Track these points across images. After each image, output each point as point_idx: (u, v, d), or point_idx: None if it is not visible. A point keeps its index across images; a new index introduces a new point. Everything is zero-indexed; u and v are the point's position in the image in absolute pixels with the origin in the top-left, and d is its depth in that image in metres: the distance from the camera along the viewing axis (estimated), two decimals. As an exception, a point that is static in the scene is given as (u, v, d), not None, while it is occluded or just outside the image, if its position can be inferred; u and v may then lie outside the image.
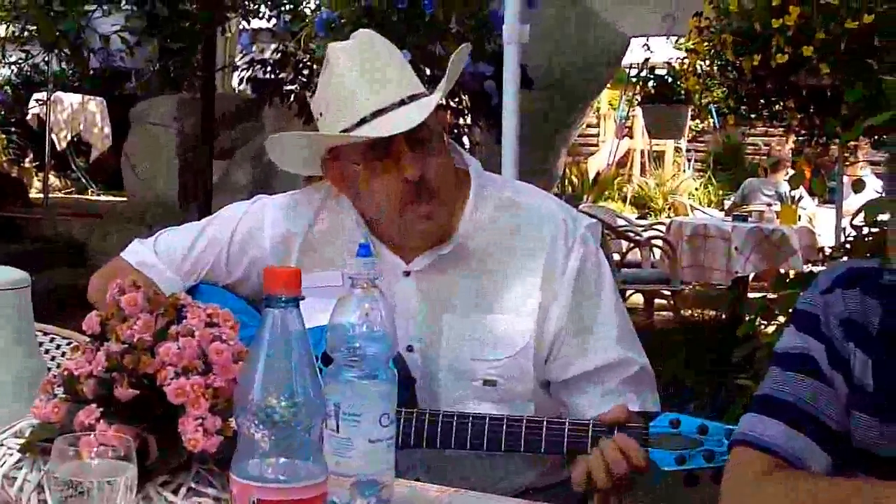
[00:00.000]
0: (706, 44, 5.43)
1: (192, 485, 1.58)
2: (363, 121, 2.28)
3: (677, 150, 19.68)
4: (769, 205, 11.07)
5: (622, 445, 2.10)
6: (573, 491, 2.28)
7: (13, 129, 15.84)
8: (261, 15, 8.31)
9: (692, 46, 5.60)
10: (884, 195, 3.70)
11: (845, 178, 8.34)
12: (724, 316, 8.38)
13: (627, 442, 2.10)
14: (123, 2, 6.91)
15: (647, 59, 10.29)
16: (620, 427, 2.12)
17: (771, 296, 4.75)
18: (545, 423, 2.19)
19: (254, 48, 6.24)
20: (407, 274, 2.43)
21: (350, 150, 2.35)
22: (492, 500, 1.99)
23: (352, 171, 2.37)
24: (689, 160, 19.74)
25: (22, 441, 1.64)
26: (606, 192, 18.22)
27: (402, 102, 2.28)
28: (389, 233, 2.41)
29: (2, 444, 1.67)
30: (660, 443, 2.09)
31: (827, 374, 1.77)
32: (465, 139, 6.64)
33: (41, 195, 13.65)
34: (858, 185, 4.76)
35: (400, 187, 2.30)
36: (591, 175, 18.86)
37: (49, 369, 2.24)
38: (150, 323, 1.63)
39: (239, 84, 10.28)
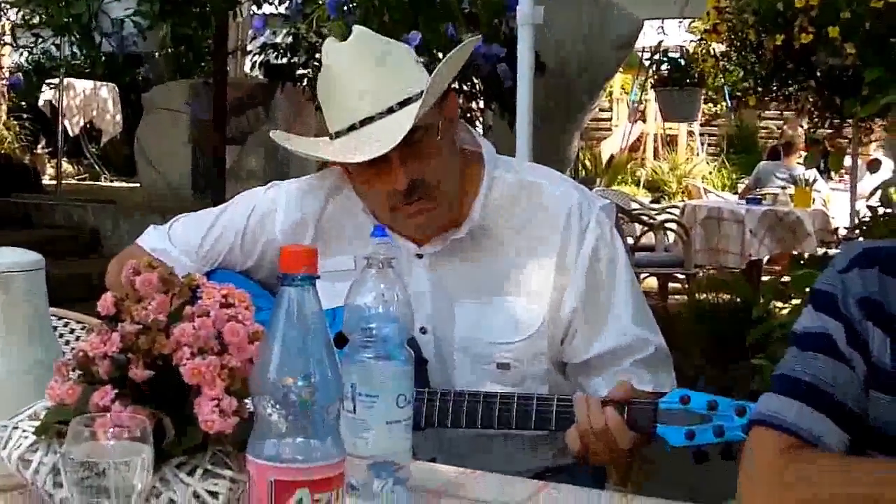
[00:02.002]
0: (726, 24, 5.40)
1: (209, 466, 1.57)
2: (352, 127, 2.28)
3: (690, 133, 19.64)
4: (783, 188, 11.04)
5: (610, 422, 2.10)
6: (589, 472, 2.28)
7: (25, 116, 15.85)
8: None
9: (709, 27, 5.58)
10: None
11: (859, 160, 8.31)
12: (738, 299, 8.35)
13: (615, 420, 2.10)
14: (136, -14, 6.91)
15: (660, 42, 10.26)
16: (630, 403, 2.12)
17: (785, 278, 4.73)
18: (556, 400, 2.20)
19: (266, 32, 6.23)
20: (420, 257, 2.43)
21: None
22: (509, 480, 1.98)
23: (352, 175, 2.40)
24: (701, 144, 19.70)
25: (37, 423, 1.64)
26: (620, 176, 18.21)
27: (391, 110, 2.26)
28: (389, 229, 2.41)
29: (17, 427, 1.66)
30: (670, 419, 2.09)
31: (845, 354, 1.76)
32: (478, 123, 6.63)
33: (54, 182, 13.67)
34: (874, 166, 4.74)
35: (389, 193, 2.31)
36: (605, 159, 18.85)
37: (63, 353, 2.24)
38: (166, 303, 1.62)
39: (251, 69, 10.28)
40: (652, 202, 15.01)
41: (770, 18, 5.10)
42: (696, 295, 9.01)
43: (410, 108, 2.26)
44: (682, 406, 2.09)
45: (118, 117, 16.09)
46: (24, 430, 1.65)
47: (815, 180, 10.92)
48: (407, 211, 2.33)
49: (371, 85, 2.29)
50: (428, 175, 2.31)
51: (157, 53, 9.85)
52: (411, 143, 2.26)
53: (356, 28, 2.41)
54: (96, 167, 16.29)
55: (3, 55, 15.14)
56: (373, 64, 2.31)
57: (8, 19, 10.70)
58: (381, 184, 2.31)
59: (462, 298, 2.41)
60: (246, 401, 1.55)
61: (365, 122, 2.27)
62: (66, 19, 7.18)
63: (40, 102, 15.87)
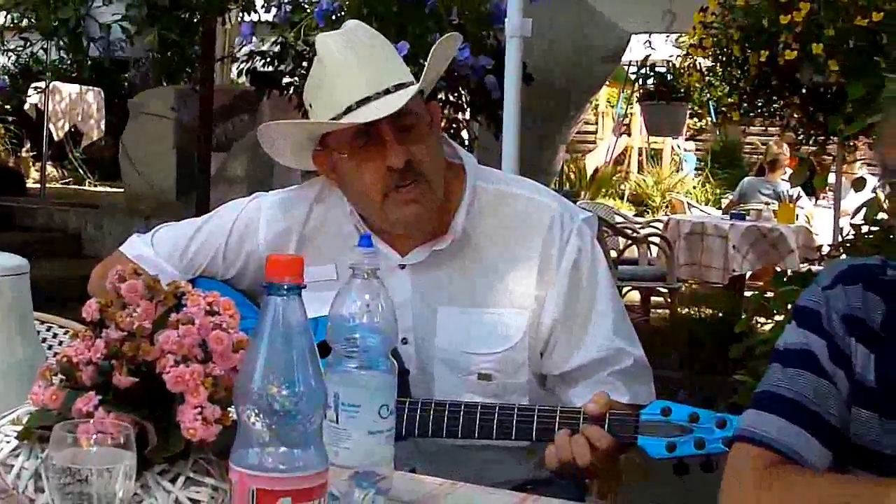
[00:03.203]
0: (711, 39, 5.42)
1: (191, 474, 1.57)
2: (349, 109, 2.29)
3: (675, 147, 19.68)
4: (767, 203, 11.06)
5: (589, 436, 2.11)
6: (572, 484, 2.29)
7: (10, 119, 15.81)
8: (262, 6, 8.30)
9: (695, 42, 5.59)
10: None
11: (843, 178, 8.33)
12: (720, 314, 8.37)
13: (594, 432, 2.11)
14: (123, -10, 6.90)
15: (647, 56, 10.29)
16: (611, 415, 2.12)
17: (768, 294, 4.74)
18: (536, 411, 2.20)
19: (254, 39, 6.24)
20: (402, 267, 2.44)
21: (337, 138, 2.37)
22: (490, 492, 1.98)
23: (339, 160, 2.39)
24: (685, 159, 19.74)
25: (19, 428, 1.63)
26: (604, 189, 18.22)
27: (388, 91, 2.29)
28: (379, 223, 2.42)
29: (-1, 431, 1.66)
30: (650, 431, 2.09)
31: (828, 370, 1.77)
32: (465, 134, 6.63)
33: (38, 185, 13.63)
34: (859, 184, 4.75)
35: (383, 174, 2.32)
36: (589, 172, 18.86)
37: (46, 358, 2.24)
38: (150, 310, 1.62)
39: (238, 76, 10.26)
40: (636, 216, 15.03)
41: (755, 34, 5.12)
42: (679, 309, 9.04)
43: (410, 88, 2.30)
44: (663, 418, 2.09)
45: (102, 122, 16.06)
46: (5, 435, 1.64)
47: (798, 196, 10.95)
48: (400, 196, 2.33)
49: (366, 69, 2.31)
50: (420, 157, 2.32)
51: (143, 59, 9.82)
52: (405, 128, 2.30)
53: (349, 21, 2.45)
54: (80, 171, 16.25)
55: (-10, 58, 15.10)
56: (367, 50, 2.35)
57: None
58: (375, 165, 2.31)
59: (444, 308, 2.42)
60: (229, 409, 1.55)
61: (361, 102, 2.28)
62: (53, 23, 7.17)
63: (26, 106, 15.84)
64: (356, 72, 2.31)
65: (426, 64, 2.33)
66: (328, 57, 2.35)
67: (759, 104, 5.86)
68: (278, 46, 6.69)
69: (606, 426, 2.12)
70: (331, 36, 2.39)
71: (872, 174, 10.08)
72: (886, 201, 1.82)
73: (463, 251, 2.42)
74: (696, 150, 19.89)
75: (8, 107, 15.78)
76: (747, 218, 10.23)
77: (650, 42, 10.65)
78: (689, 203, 14.44)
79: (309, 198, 2.55)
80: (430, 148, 2.37)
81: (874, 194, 4.00)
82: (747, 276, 10.09)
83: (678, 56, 9.58)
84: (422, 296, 2.43)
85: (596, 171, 18.86)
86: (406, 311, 2.40)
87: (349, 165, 2.37)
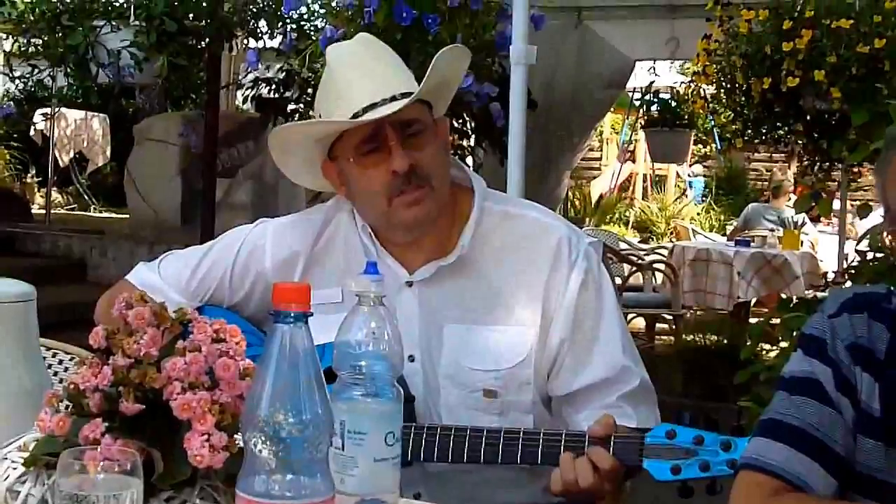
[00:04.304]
0: (715, 66, 5.44)
1: (198, 501, 1.57)
2: (356, 115, 2.32)
3: (679, 174, 19.69)
4: (772, 230, 11.07)
5: (593, 457, 2.10)
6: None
7: (15, 145, 15.84)
8: (268, 34, 8.33)
9: (699, 69, 5.60)
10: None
11: (848, 204, 8.34)
12: (725, 341, 8.36)
13: (597, 453, 2.10)
14: (132, 17, 6.91)
15: (651, 83, 10.31)
16: (616, 438, 2.12)
17: (773, 320, 4.74)
18: (542, 435, 2.20)
19: (259, 66, 6.26)
20: (409, 284, 2.45)
21: (344, 147, 2.40)
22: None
23: (347, 167, 2.41)
24: (690, 185, 19.74)
25: (26, 455, 1.64)
26: (609, 216, 18.22)
27: (394, 98, 2.32)
28: (386, 229, 2.44)
29: (6, 458, 1.66)
30: (656, 454, 2.09)
31: (833, 399, 1.77)
32: (469, 160, 6.65)
33: (43, 211, 13.64)
34: (864, 210, 4.75)
35: (388, 178, 2.34)
36: (594, 199, 18.87)
37: (52, 385, 2.24)
38: (157, 337, 1.63)
39: (243, 102, 10.30)
40: (640, 242, 15.03)
41: (758, 62, 5.13)
42: (684, 336, 9.02)
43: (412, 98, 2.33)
44: (668, 441, 2.09)
45: (107, 148, 16.08)
46: (12, 461, 1.64)
47: (803, 223, 10.95)
48: (405, 199, 2.35)
49: (374, 77, 2.35)
50: (425, 163, 2.35)
51: (153, 85, 9.86)
52: (410, 134, 2.34)
53: (360, 33, 2.50)
54: (86, 197, 16.28)
55: (-2, 85, 15.15)
56: (375, 60, 2.40)
57: (3, 49, 10.70)
58: (380, 170, 2.34)
59: (450, 324, 2.42)
60: (236, 436, 1.55)
61: (368, 108, 2.31)
62: (60, 50, 7.20)
63: (31, 132, 15.86)
64: (365, 80, 2.35)
65: (427, 73, 2.34)
66: (338, 65, 2.40)
67: (763, 131, 5.86)
68: (283, 73, 6.73)
69: (611, 449, 2.12)
70: (342, 45, 2.45)
71: (877, 201, 10.09)
72: (889, 238, 1.83)
73: (469, 268, 2.44)
74: (702, 175, 19.89)
75: (14, 133, 15.79)
76: (752, 244, 10.23)
77: (654, 69, 10.66)
78: (693, 230, 14.44)
79: (315, 221, 2.56)
80: (435, 155, 2.39)
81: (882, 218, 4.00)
82: (752, 302, 10.09)
83: (682, 83, 9.59)
84: (428, 313, 2.44)
85: (601, 197, 18.86)
86: (413, 328, 2.41)
87: (356, 172, 2.39)
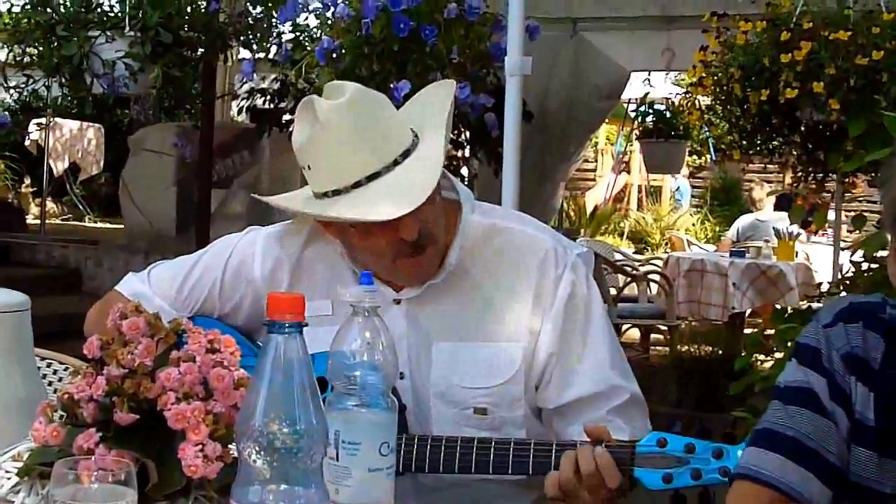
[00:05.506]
0: (711, 78, 5.43)
1: (191, 511, 1.57)
2: (357, 184, 2.25)
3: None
4: (766, 241, 11.07)
5: (599, 461, 2.09)
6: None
7: (9, 154, 15.83)
8: (263, 43, 8.34)
9: (695, 80, 5.60)
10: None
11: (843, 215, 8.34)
12: (720, 351, 8.36)
13: (605, 459, 2.10)
14: (128, 28, 6.92)
15: (646, 94, 10.32)
16: (608, 447, 2.12)
17: (768, 331, 4.74)
18: (532, 445, 2.20)
19: (254, 77, 6.26)
20: (397, 302, 2.43)
21: None
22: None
23: (348, 232, 2.36)
24: (678, 190, 19.76)
25: (20, 464, 1.64)
26: (604, 227, 18.24)
27: (396, 162, 2.26)
28: (382, 276, 2.39)
29: (0, 468, 1.66)
30: (647, 462, 2.09)
31: (828, 409, 1.77)
32: (464, 170, 6.66)
33: (38, 221, 13.63)
34: (859, 221, 4.76)
35: (395, 242, 2.29)
36: (589, 209, 18.89)
37: (47, 395, 2.23)
38: (152, 348, 1.63)
39: (238, 113, 10.30)
40: (635, 253, 15.04)
41: (755, 73, 5.13)
42: (679, 347, 9.02)
43: (414, 156, 2.27)
44: (660, 449, 2.09)
45: (101, 159, 16.07)
46: (6, 471, 1.64)
47: (798, 234, 10.96)
48: (412, 262, 2.33)
49: (371, 141, 2.26)
50: (430, 220, 2.31)
51: (148, 95, 9.87)
52: None
53: (349, 86, 2.34)
54: (80, 207, 16.27)
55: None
56: (368, 120, 2.28)
57: (-4, 60, 10.70)
58: (387, 236, 2.28)
59: (439, 342, 2.41)
60: (230, 446, 1.55)
61: (372, 177, 2.25)
62: (55, 60, 7.20)
63: (27, 142, 15.86)
64: (362, 143, 2.25)
65: (445, 126, 2.32)
66: (330, 124, 2.26)
67: (759, 142, 5.86)
68: (279, 84, 6.72)
69: None
70: (332, 104, 2.28)
71: (871, 212, 10.10)
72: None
73: (457, 285, 2.42)
74: (695, 186, 19.90)
75: (9, 143, 15.79)
76: (747, 255, 10.24)
77: (649, 80, 10.67)
78: (688, 240, 14.45)
79: (304, 232, 2.53)
80: (437, 208, 2.34)
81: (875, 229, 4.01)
82: (747, 313, 10.09)
83: (677, 94, 9.59)
84: (417, 330, 2.42)
85: (595, 208, 18.89)
86: (401, 346, 2.38)
87: (358, 237, 2.34)
